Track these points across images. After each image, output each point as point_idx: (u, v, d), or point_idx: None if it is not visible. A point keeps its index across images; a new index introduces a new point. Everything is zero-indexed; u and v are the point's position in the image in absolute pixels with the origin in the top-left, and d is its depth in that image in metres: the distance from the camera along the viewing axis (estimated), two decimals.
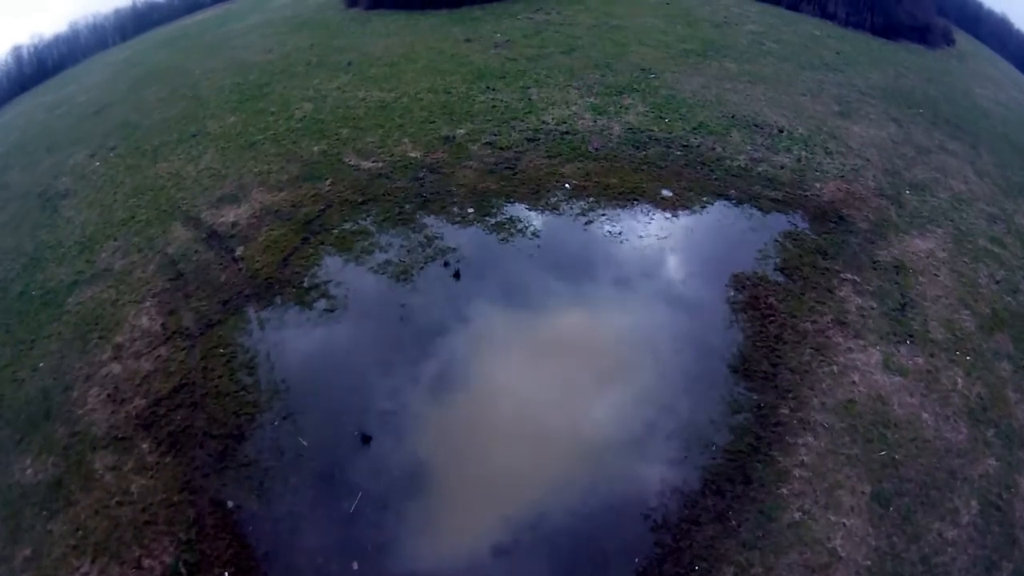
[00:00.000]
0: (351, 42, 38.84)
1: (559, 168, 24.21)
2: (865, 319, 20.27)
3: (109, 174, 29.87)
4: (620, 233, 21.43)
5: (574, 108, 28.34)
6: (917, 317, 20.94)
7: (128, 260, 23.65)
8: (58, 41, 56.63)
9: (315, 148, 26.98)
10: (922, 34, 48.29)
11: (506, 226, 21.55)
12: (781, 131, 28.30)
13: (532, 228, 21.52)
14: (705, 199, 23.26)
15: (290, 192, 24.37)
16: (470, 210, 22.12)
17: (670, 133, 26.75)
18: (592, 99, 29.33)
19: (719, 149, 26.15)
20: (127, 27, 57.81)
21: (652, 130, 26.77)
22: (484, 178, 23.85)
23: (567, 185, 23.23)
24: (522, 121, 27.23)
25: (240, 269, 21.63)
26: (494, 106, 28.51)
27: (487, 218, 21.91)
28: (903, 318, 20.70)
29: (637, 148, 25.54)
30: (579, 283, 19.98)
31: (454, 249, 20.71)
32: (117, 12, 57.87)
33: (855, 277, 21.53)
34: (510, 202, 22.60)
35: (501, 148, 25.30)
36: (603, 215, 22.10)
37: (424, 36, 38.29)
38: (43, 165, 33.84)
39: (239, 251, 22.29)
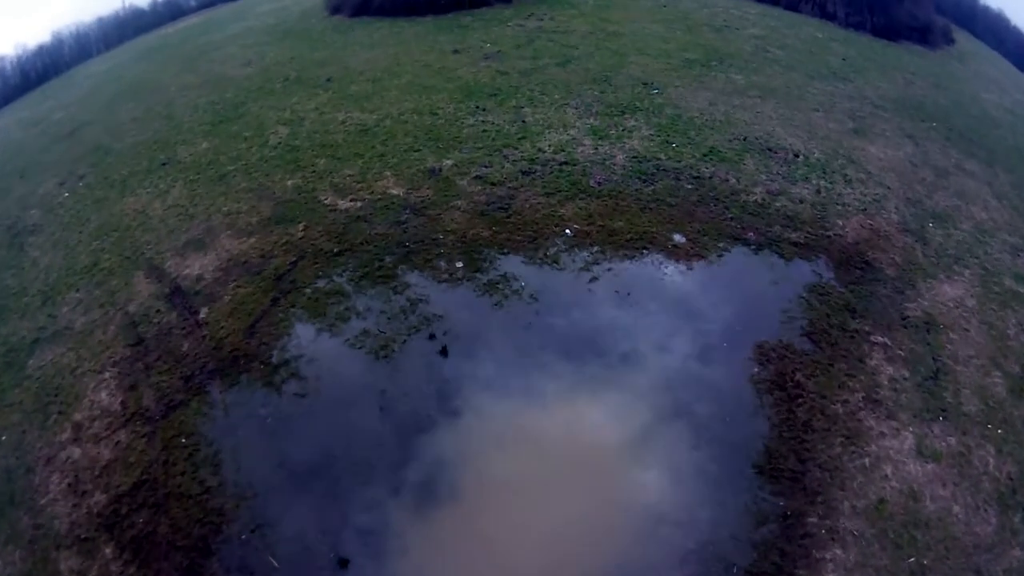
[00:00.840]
0: (332, 54, 32.73)
1: (558, 208, 19.20)
2: (898, 393, 15.81)
3: (76, 208, 24.51)
4: (629, 294, 16.71)
5: (572, 132, 23.01)
6: (949, 386, 16.43)
7: (89, 318, 18.77)
8: (41, 52, 50.24)
9: (289, 182, 21.82)
10: (923, 34, 42.58)
11: (500, 286, 16.79)
12: (797, 156, 23.12)
13: (529, 289, 16.74)
14: (721, 245, 18.45)
15: (260, 238, 19.39)
16: (459, 264, 17.27)
17: (679, 161, 21.56)
18: (592, 120, 23.89)
19: (733, 180, 21.04)
20: (110, 36, 50.85)
21: (659, 158, 21.59)
22: (474, 222, 18.87)
23: (568, 231, 18.28)
24: (516, 149, 21.95)
25: (204, 336, 16.98)
26: (484, 130, 23.15)
27: (478, 275, 17.11)
28: (935, 388, 16.24)
29: (644, 181, 20.43)
30: (583, 361, 15.37)
31: (440, 317, 16.04)
32: (100, 21, 51.09)
33: (886, 340, 16.97)
34: (504, 253, 17.73)
35: (493, 183, 20.16)
36: (609, 269, 17.32)
37: (409, 46, 32.18)
38: (14, 193, 28.39)
39: (203, 313, 17.49)
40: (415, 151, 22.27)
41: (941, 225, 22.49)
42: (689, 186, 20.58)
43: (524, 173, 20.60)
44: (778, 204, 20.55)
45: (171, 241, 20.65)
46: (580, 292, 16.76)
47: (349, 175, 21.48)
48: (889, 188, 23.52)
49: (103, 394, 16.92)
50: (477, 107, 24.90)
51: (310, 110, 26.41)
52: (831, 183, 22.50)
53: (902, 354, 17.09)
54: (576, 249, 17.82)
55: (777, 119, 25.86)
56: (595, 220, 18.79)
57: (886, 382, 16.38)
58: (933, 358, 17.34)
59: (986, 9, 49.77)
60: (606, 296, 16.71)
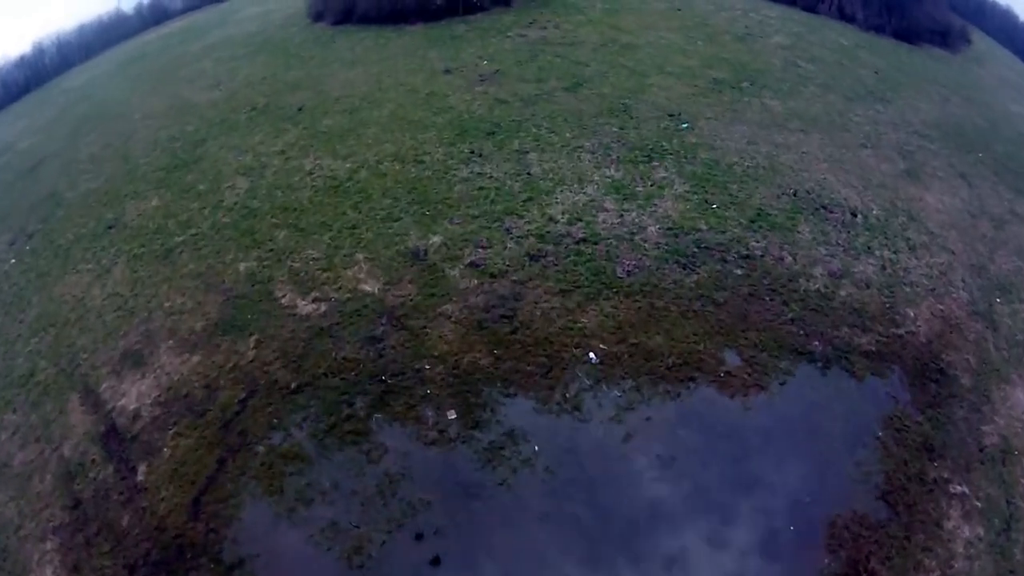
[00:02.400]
0: (308, 74, 23.01)
1: (577, 315, 11.88)
2: (972, 561, 10.19)
3: (19, 284, 16.64)
4: (674, 459, 9.99)
5: (590, 189, 14.96)
6: (1019, 540, 10.86)
7: (26, 456, 12.40)
8: (22, 63, 39.98)
9: (241, 266, 14.03)
10: (943, 36, 32.69)
11: (505, 452, 9.96)
12: (855, 215, 15.27)
13: (544, 458, 9.94)
14: (783, 365, 11.52)
15: (205, 355, 12.30)
16: (451, 416, 10.27)
17: (723, 232, 13.92)
18: (612, 170, 15.64)
19: (789, 259, 13.58)
20: (93, 44, 39.30)
21: (700, 228, 13.88)
22: (470, 340, 11.62)
23: (592, 356, 11.16)
24: (520, 217, 14.12)
25: (144, 508, 10.50)
26: (481, 187, 15.11)
27: (475, 433, 10.18)
28: (1006, 545, 10.63)
29: (684, 267, 12.94)
30: (614, 570, 8.95)
31: (429, 504, 9.42)
32: (81, 28, 40.95)
33: (964, 488, 11.08)
34: (509, 394, 10.70)
35: (492, 275, 12.64)
36: (647, 419, 10.46)
37: (394, 64, 22.59)
38: None
39: (141, 472, 10.98)
40: (394, 220, 14.41)
41: (1006, 298, 15.27)
42: (739, 271, 13.09)
43: (532, 258, 12.98)
44: (843, 293, 13.23)
45: (107, 350, 13.43)
46: (611, 458, 9.95)
47: (313, 257, 13.76)
48: (953, 253, 15.91)
49: (48, 572, 11.18)
50: (472, 152, 16.53)
51: (274, 153, 17.80)
52: (895, 252, 14.85)
53: (979, 505, 11.13)
54: (603, 385, 10.75)
55: (825, 161, 17.85)
56: (626, 334, 11.55)
57: (961, 549, 10.42)
58: (1007, 501, 11.43)
59: (994, 5, 39.98)
60: (645, 464, 9.94)
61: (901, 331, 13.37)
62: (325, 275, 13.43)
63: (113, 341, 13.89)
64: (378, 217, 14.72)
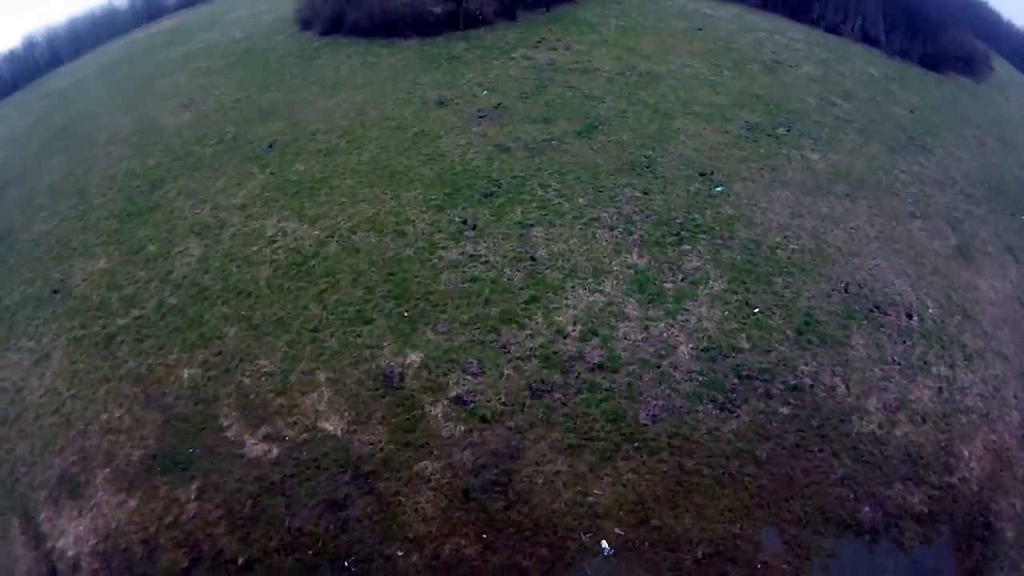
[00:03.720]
0: (285, 97, 17.03)
1: (590, 485, 7.72)
2: None
3: None
4: None
5: (608, 286, 10.21)
6: None
7: None
8: (12, 58, 32.73)
9: (185, 373, 9.57)
10: (967, 64, 26.44)
11: None
12: (910, 316, 10.79)
13: None
14: (827, 545, 7.71)
15: (143, 499, 8.37)
16: None
17: (767, 351, 9.44)
18: (635, 256, 10.80)
19: (841, 388, 9.26)
20: (85, 39, 31.18)
21: (741, 348, 9.38)
22: (453, 517, 7.51)
23: (605, 545, 7.19)
24: (521, 328, 9.50)
25: None
26: (474, 279, 10.30)
27: None
28: None
29: (722, 408, 8.58)
30: None
31: None
32: (72, 23, 32.34)
33: None
34: None
35: (484, 418, 8.31)
36: None
37: (381, 89, 16.66)
38: None
39: None
40: (365, 322, 9.75)
41: None
42: (785, 410, 8.77)
43: (534, 393, 8.60)
44: (898, 434, 9.07)
45: (45, 466, 9.38)
46: None
47: (266, 371, 9.29)
48: (1007, 358, 11.39)
49: None
50: (464, 222, 11.50)
51: (235, 208, 12.67)
52: (951, 366, 10.43)
53: None
54: None
55: (876, 239, 12.45)
56: (648, 512, 7.55)
57: None
58: None
59: (1010, 25, 32.94)
60: None
61: (954, 479, 9.19)
62: (279, 401, 8.98)
63: (49, 457, 9.66)
64: (346, 316, 10.00)
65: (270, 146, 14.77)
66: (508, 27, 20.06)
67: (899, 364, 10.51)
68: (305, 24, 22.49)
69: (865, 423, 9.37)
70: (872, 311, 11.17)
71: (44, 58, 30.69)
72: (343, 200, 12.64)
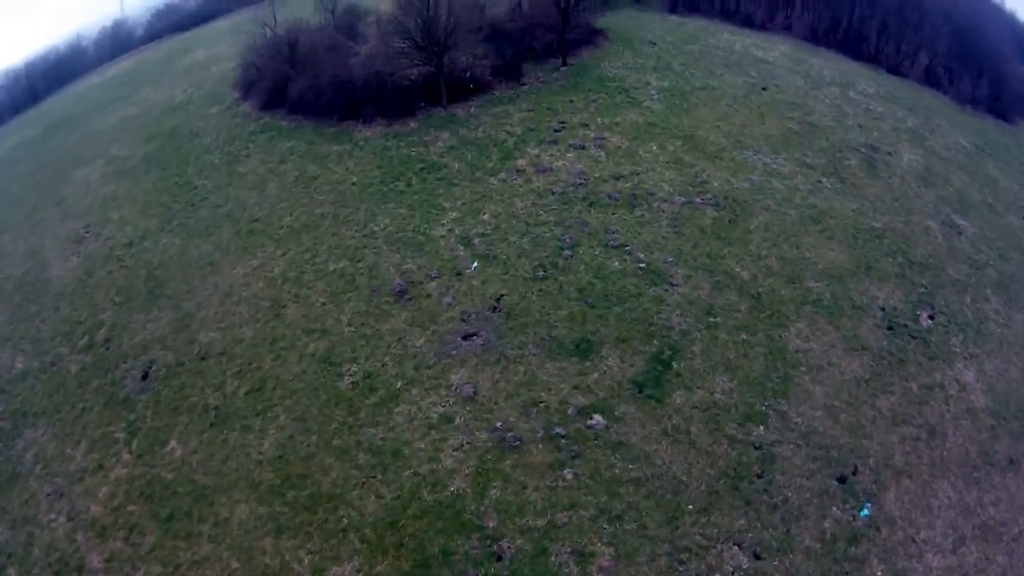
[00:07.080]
0: (183, 252, 11.48)
1: None
2: None
3: None
4: None
5: None
6: None
7: None
8: None
9: None
10: None
11: None
12: None
13: None
14: None
15: None
16: None
17: None
18: None
19: None
20: (38, 85, 25.74)
21: None
22: None
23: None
24: None
25: None
26: None
27: None
28: None
29: None
30: None
31: None
32: (28, 66, 26.28)
33: None
34: None
35: None
36: None
37: (316, 244, 10.70)
38: None
39: None
40: None
41: None
42: None
43: None
44: None
45: None
46: None
47: None
48: None
49: None
50: None
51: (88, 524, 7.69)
52: None
53: None
54: None
55: None
56: None
57: None
58: None
59: None
60: None
61: None
62: None
63: None
64: None
65: (144, 376, 9.57)
66: (511, 96, 13.03)
67: None
68: (246, 89, 16.46)
69: None
70: None
71: (4, 104, 26.97)
72: (219, 533, 6.85)
